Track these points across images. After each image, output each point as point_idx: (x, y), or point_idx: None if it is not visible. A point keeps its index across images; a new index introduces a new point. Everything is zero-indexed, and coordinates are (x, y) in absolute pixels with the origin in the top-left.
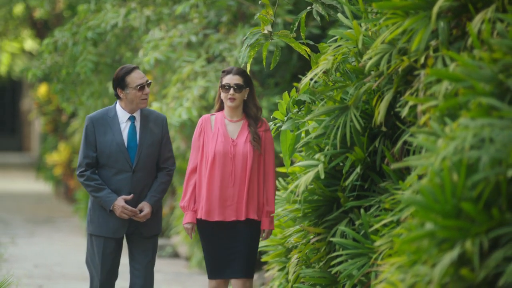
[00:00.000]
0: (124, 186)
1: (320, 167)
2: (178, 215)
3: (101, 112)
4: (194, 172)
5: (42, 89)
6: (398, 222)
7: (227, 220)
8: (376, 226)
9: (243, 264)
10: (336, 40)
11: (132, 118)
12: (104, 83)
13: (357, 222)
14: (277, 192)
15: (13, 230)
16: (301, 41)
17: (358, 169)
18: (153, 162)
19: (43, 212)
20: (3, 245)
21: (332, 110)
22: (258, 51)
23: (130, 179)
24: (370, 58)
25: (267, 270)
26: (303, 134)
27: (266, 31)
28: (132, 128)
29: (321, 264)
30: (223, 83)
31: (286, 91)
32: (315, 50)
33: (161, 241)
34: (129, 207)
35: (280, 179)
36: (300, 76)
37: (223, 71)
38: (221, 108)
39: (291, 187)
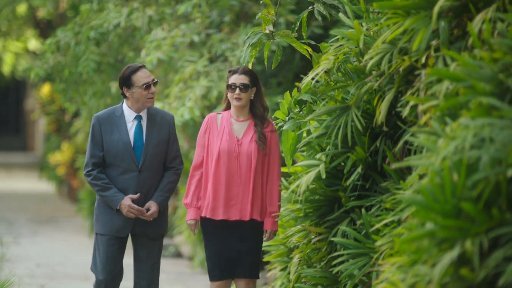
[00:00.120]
0: (130, 186)
1: (321, 167)
2: (180, 214)
3: (108, 111)
4: (198, 169)
5: (45, 89)
6: (399, 222)
7: (231, 220)
8: (377, 226)
9: (247, 264)
10: (337, 40)
11: (138, 117)
12: (106, 83)
13: (358, 222)
14: None
15: (16, 229)
16: (303, 41)
17: (359, 169)
18: (159, 162)
19: (46, 211)
20: (6, 244)
21: (333, 110)
22: (260, 50)
23: (136, 179)
24: (371, 58)
25: (269, 270)
26: (304, 134)
27: (267, 31)
28: (139, 128)
29: (322, 264)
30: (229, 82)
31: (288, 91)
32: (317, 50)
33: (164, 241)
34: (136, 206)
35: (282, 178)
36: (302, 76)
37: (229, 71)
38: (228, 107)
39: (292, 186)
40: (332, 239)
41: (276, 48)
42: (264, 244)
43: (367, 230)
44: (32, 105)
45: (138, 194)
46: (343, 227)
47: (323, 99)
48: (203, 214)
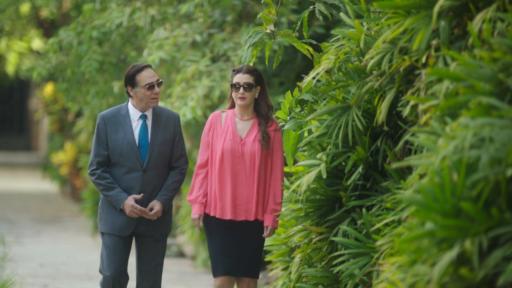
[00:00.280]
0: (134, 185)
1: (322, 166)
2: (183, 214)
3: (113, 110)
4: (202, 168)
5: (48, 89)
6: (399, 222)
7: (237, 220)
8: (378, 225)
9: (248, 264)
10: (338, 40)
11: (143, 117)
12: (109, 83)
13: (359, 222)
14: None
15: (19, 229)
16: (304, 41)
17: (360, 169)
18: (164, 161)
19: (49, 211)
20: (9, 244)
21: (334, 110)
22: (261, 50)
23: (140, 178)
24: (372, 58)
25: (271, 270)
26: (305, 134)
27: (268, 30)
28: (144, 127)
29: (323, 263)
30: (233, 82)
31: (289, 91)
32: (319, 49)
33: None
34: (139, 207)
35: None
36: (304, 75)
37: (233, 70)
38: (232, 106)
39: (293, 186)
40: (333, 238)
41: (277, 48)
42: (266, 243)
43: (368, 229)
44: (37, 104)
45: (142, 194)
46: (344, 226)
47: (324, 99)
48: (211, 214)
